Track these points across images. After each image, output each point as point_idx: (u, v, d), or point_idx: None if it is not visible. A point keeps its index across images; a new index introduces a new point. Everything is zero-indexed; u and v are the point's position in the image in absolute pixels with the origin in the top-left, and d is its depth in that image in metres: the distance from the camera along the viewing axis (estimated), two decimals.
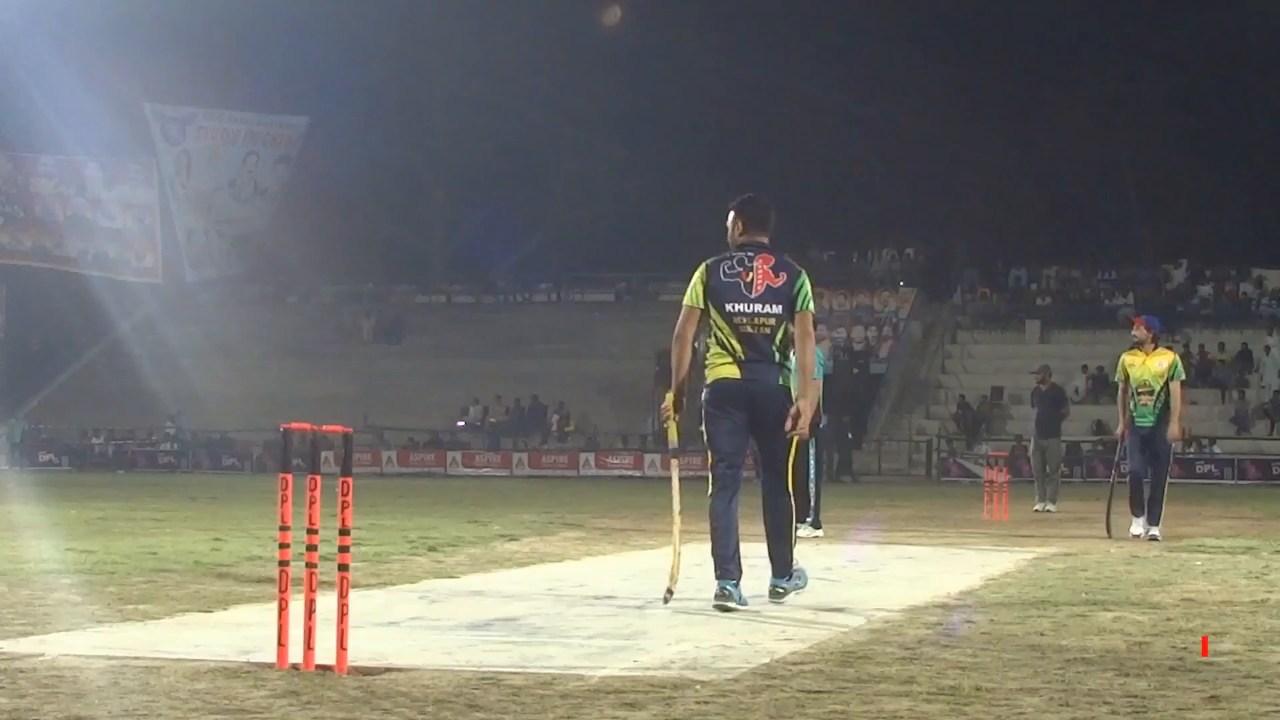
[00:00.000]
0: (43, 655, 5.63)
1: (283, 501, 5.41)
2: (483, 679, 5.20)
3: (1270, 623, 7.07)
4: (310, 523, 5.37)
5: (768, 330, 7.53)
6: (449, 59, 54.68)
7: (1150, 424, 13.64)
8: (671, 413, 7.64)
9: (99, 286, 53.36)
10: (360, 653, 5.47)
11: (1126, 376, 13.88)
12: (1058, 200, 52.99)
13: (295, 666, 5.32)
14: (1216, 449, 38.89)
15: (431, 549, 11.29)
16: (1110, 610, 7.53)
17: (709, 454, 7.64)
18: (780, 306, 7.53)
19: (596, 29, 55.02)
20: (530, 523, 15.15)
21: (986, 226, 52.05)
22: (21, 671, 5.26)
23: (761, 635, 6.44)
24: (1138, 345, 13.93)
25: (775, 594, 7.67)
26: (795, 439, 7.57)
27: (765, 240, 7.73)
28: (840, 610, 7.48)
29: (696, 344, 7.82)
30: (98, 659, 5.54)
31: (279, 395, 43.82)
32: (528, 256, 57.17)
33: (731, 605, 7.34)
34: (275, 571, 5.47)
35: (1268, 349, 42.42)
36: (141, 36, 49.86)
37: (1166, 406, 13.64)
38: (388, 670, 5.35)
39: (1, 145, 52.64)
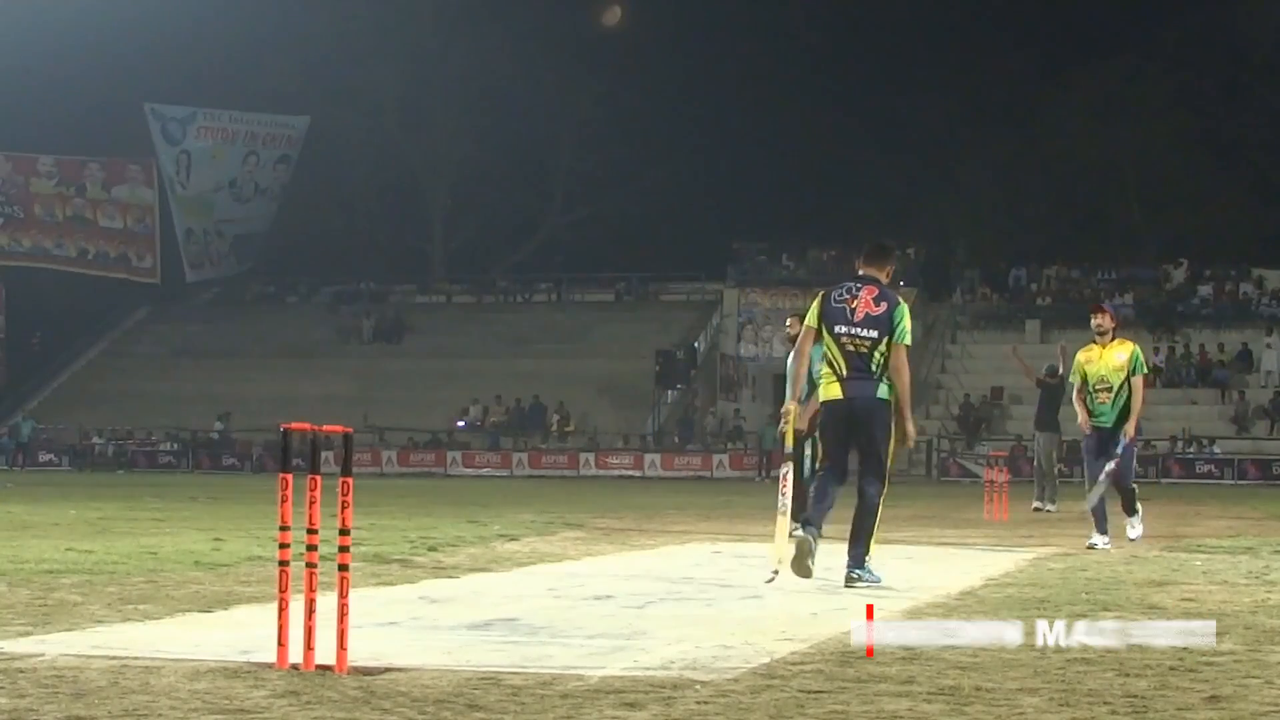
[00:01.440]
0: (43, 655, 5.63)
1: (283, 501, 5.41)
2: (483, 679, 5.19)
3: (1270, 623, 7.06)
4: (310, 523, 5.37)
5: (865, 349, 8.82)
6: (449, 59, 54.67)
7: (1108, 424, 12.29)
8: (792, 417, 9.09)
9: (99, 286, 53.41)
10: (360, 653, 5.47)
11: (1084, 377, 12.42)
12: (1058, 200, 52.99)
13: (295, 666, 5.32)
14: (1216, 449, 38.87)
15: (431, 549, 11.28)
16: (1110, 610, 7.52)
17: (821, 453, 9.26)
18: (877, 331, 8.82)
19: (597, 29, 55.03)
20: (530, 523, 15.13)
21: (986, 226, 52.06)
22: (21, 671, 5.26)
23: (761, 635, 6.44)
24: (1098, 337, 12.47)
25: (850, 580, 8.65)
26: (893, 444, 8.88)
27: (878, 275, 9.09)
28: (840, 610, 7.48)
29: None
30: (98, 659, 5.53)
31: (279, 395, 43.86)
32: (528, 256, 57.18)
33: (810, 547, 8.54)
34: (275, 571, 5.47)
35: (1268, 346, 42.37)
36: (141, 36, 49.89)
37: (1127, 404, 12.30)
38: (388, 670, 5.35)
39: (1, 145, 52.64)
